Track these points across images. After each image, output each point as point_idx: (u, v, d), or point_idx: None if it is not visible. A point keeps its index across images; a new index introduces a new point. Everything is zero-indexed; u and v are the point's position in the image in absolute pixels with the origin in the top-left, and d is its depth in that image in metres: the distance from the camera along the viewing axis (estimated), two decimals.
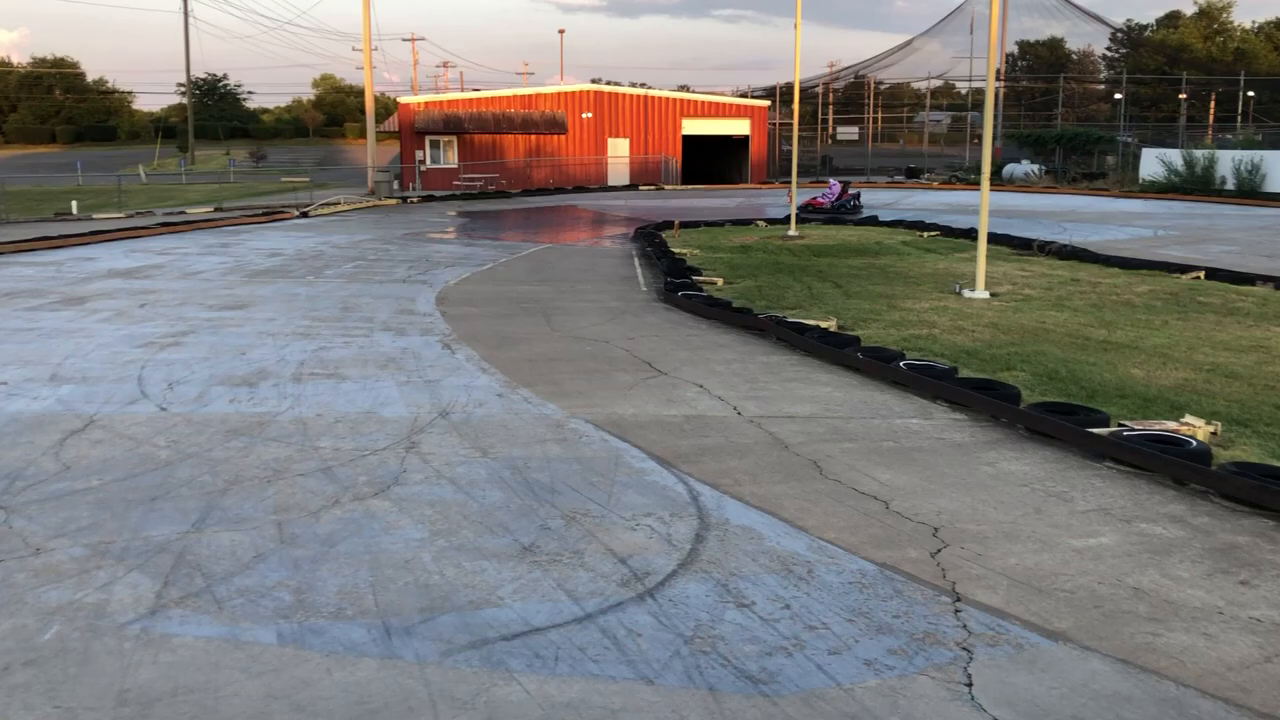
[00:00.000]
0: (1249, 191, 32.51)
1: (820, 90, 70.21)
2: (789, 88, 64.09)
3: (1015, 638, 4.48)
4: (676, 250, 21.84)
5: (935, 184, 44.19)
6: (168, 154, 71.56)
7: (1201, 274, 18.38)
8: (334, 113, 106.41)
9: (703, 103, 45.71)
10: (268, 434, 7.44)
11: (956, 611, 4.75)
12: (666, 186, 43.53)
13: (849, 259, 21.20)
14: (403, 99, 43.80)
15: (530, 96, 43.86)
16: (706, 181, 45.85)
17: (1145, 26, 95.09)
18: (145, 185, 44.77)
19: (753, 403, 8.84)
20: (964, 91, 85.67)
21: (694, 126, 44.77)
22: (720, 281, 17.43)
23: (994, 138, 64.20)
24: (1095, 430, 7.63)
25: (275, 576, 4.89)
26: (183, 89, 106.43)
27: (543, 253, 22.63)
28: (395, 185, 37.36)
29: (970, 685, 4.05)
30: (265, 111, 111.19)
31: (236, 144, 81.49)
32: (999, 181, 44.53)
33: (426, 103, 42.99)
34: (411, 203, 36.19)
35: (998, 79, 69.24)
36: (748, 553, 5.38)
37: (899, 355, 10.52)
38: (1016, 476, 6.88)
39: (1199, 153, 35.53)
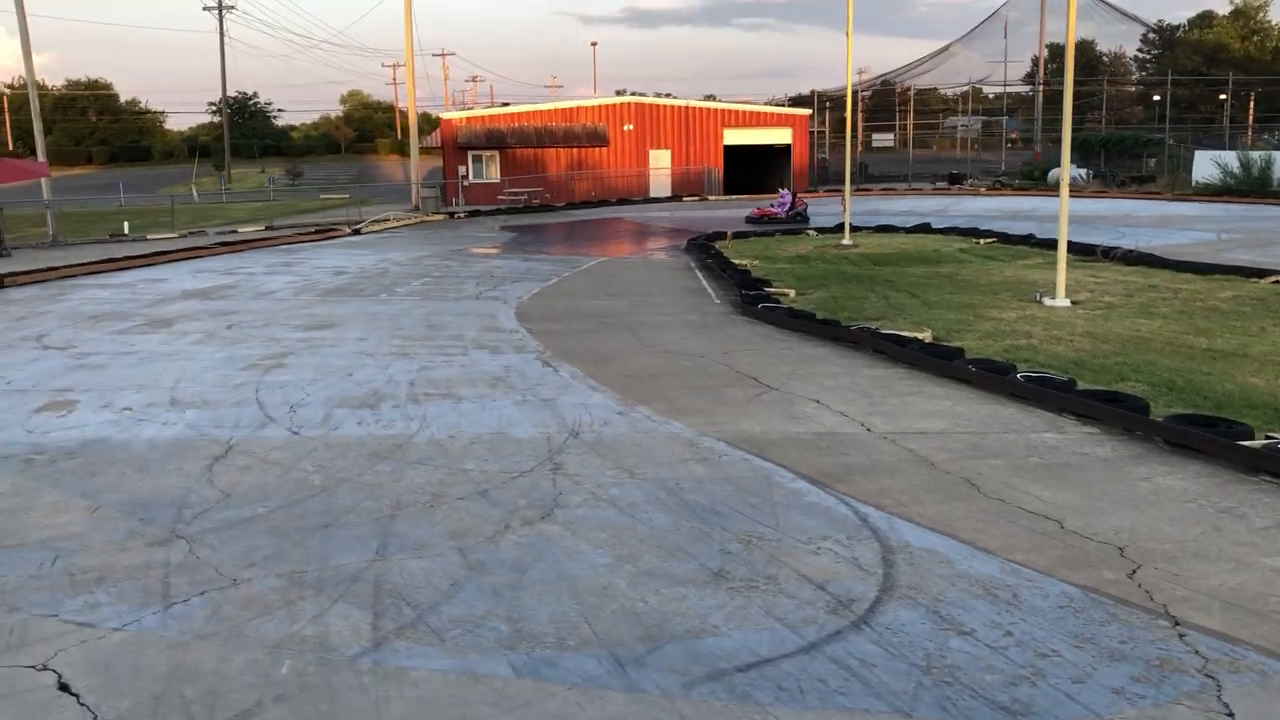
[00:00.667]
0: None
1: (860, 95, 69.98)
2: (825, 95, 64.16)
3: (1255, 664, 4.36)
4: (736, 261, 21.75)
5: (981, 189, 43.89)
6: (203, 173, 72.14)
7: (1278, 278, 18.09)
8: (362, 129, 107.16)
9: (744, 113, 45.63)
10: (410, 457, 7.39)
11: (1180, 636, 4.63)
12: (710, 197, 43.47)
13: (912, 267, 21.03)
14: (444, 114, 43.97)
15: (571, 110, 43.92)
16: (748, 191, 45.72)
17: (1176, 27, 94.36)
18: (189, 205, 45.10)
19: (878, 418, 8.73)
20: (991, 96, 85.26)
21: (735, 136, 44.70)
22: (792, 293, 17.31)
23: (1036, 141, 63.85)
24: (1246, 443, 7.48)
25: (482, 606, 4.82)
26: (213, 108, 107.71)
27: (601, 266, 22.59)
28: (439, 201, 37.45)
29: (1232, 716, 3.93)
30: (293, 128, 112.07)
31: (270, 161, 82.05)
32: (1044, 186, 44.19)
33: (469, 118, 43.11)
34: (458, 218, 36.27)
35: (1035, 83, 68.72)
36: (943, 577, 5.27)
37: (1010, 367, 10.37)
38: (1178, 492, 6.74)
39: (1255, 154, 35.15)
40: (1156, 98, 71.24)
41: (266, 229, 31.82)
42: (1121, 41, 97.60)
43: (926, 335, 12.85)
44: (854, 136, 68.44)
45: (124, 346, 12.34)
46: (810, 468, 7.19)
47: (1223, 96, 70.70)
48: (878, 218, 31.86)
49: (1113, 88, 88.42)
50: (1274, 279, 17.97)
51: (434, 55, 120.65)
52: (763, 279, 18.33)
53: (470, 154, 42.02)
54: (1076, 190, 40.96)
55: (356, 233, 30.86)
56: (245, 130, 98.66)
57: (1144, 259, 21.46)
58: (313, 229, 30.99)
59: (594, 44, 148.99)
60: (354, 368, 10.98)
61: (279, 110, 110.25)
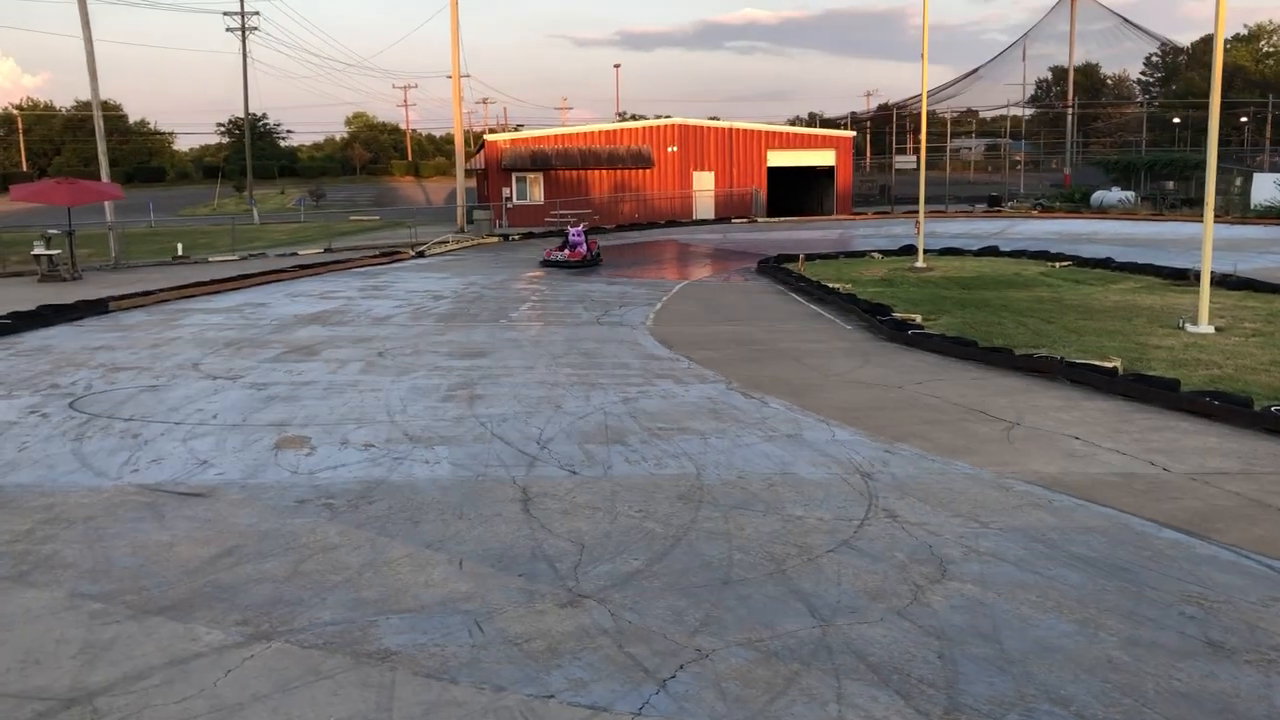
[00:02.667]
0: None
1: (873, 118, 69.93)
2: (859, 116, 64.12)
3: None
4: (830, 284, 21.37)
5: (1034, 211, 43.63)
6: (224, 194, 71.64)
7: None
8: (370, 150, 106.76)
9: (788, 134, 45.42)
10: (722, 500, 6.94)
11: None
12: (759, 219, 43.15)
13: (1007, 291, 20.62)
14: (489, 137, 43.63)
15: (615, 132, 43.62)
16: (791, 213, 45.49)
17: (1181, 50, 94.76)
18: (223, 227, 44.59)
19: (1160, 456, 8.32)
20: (989, 119, 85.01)
21: (779, 158, 44.46)
22: (919, 317, 16.88)
23: (1067, 165, 63.74)
24: None
25: (1003, 686, 4.36)
26: (222, 128, 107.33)
27: (692, 289, 22.20)
28: (491, 223, 37.06)
29: None
30: (299, 149, 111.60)
31: (287, 182, 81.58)
32: (1087, 208, 44.01)
33: (513, 140, 42.77)
34: (514, 240, 35.87)
35: (1062, 106, 68.71)
36: None
37: (1247, 400, 9.97)
38: None
39: None
40: (1177, 120, 71.23)
41: (326, 251, 31.35)
42: (1124, 64, 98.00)
43: (1117, 364, 12.45)
44: (873, 158, 68.22)
45: (294, 376, 11.86)
46: (1159, 513, 6.75)
47: (1244, 119, 70.88)
48: (936, 240, 31.32)
49: (1116, 111, 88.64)
50: None
51: (446, 77, 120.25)
52: (880, 304, 17.88)
53: (514, 175, 41.66)
54: (1130, 213, 40.85)
55: (420, 255, 30.41)
56: (255, 151, 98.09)
57: (1246, 284, 21.02)
58: (376, 251, 30.53)
59: (617, 66, 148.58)
60: (554, 398, 10.53)
61: (289, 131, 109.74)
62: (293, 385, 11.24)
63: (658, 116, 48.02)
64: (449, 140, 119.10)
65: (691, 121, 44.49)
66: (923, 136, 27.93)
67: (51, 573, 5.49)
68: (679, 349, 14.04)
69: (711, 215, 43.59)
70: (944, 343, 14.04)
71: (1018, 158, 78.80)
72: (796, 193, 46.89)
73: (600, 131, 43.54)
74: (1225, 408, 9.82)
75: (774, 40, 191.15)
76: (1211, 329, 15.40)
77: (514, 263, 28.79)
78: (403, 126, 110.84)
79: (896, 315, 16.68)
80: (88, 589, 5.26)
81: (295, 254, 30.62)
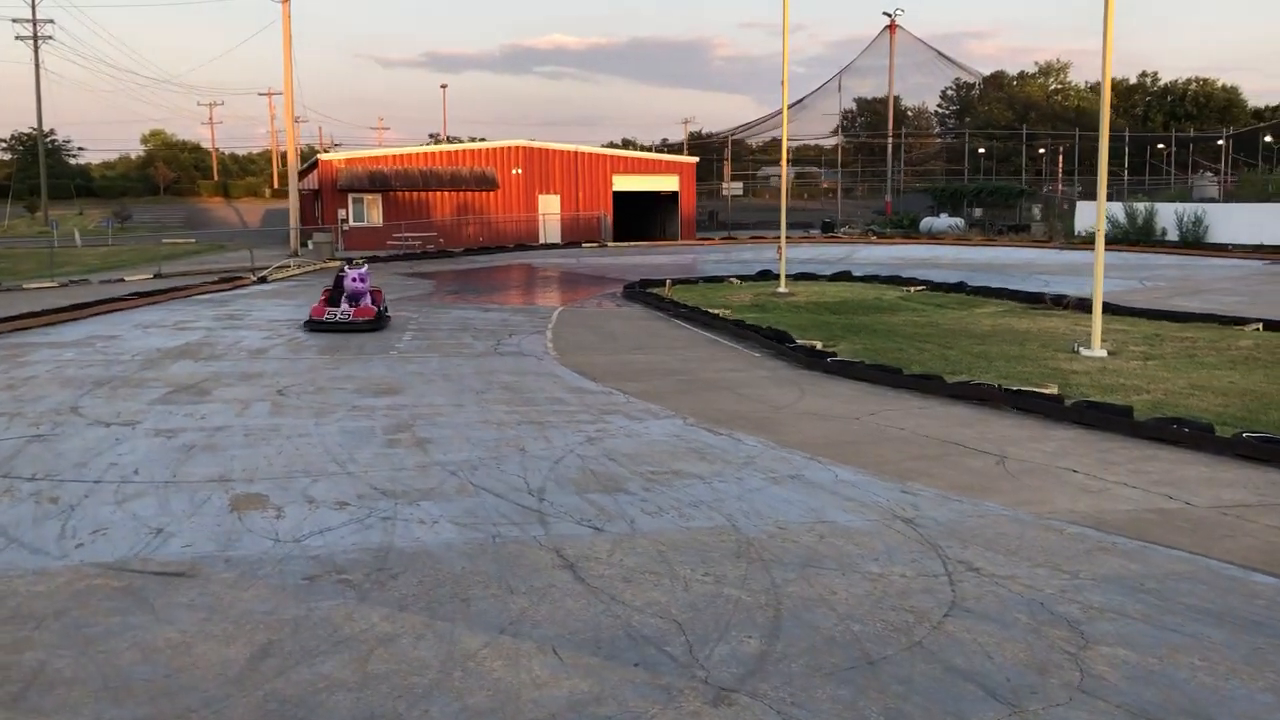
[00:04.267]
0: (1192, 242, 34.21)
1: (724, 144, 70.97)
2: (692, 142, 64.72)
3: None
4: (709, 309, 21.10)
5: (872, 238, 44.84)
6: (13, 214, 66.13)
7: (1260, 325, 18.65)
8: (172, 169, 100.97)
9: (634, 159, 45.27)
10: (785, 558, 6.30)
11: None
12: (609, 244, 42.73)
13: (878, 316, 20.81)
14: (323, 156, 41.66)
15: (456, 153, 42.43)
16: (636, 238, 45.26)
17: (972, 85, 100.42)
18: (25, 250, 40.90)
19: (1169, 488, 8.20)
20: (794, 148, 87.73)
21: (625, 183, 44.21)
22: (819, 344, 16.70)
23: (886, 193, 66.10)
24: None
25: None
26: (3, 144, 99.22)
27: (571, 316, 21.53)
28: (333, 247, 35.26)
29: None
30: (91, 167, 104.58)
31: (85, 203, 76.11)
32: (916, 234, 45.61)
33: (349, 159, 40.96)
34: (357, 265, 34.14)
35: (888, 136, 71.34)
36: None
37: (1206, 426, 10.04)
38: None
39: (1140, 205, 37.26)
40: (982, 150, 75.16)
41: (157, 276, 29.04)
42: (922, 97, 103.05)
43: (1053, 389, 12.47)
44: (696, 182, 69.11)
45: (198, 420, 10.53)
46: (1229, 554, 6.51)
47: (1041, 150, 75.47)
48: (787, 266, 30.68)
49: (925, 141, 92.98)
50: (1254, 326, 18.59)
51: (258, 94, 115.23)
52: (780, 330, 17.61)
53: (351, 196, 39.90)
54: (963, 238, 42.49)
55: (263, 280, 28.55)
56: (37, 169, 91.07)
57: (1107, 308, 21.65)
58: (215, 277, 28.47)
59: (444, 86, 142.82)
60: (511, 440, 9.66)
61: (78, 148, 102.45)
62: (205, 431, 9.94)
63: (432, 136, 47.08)
64: (254, 160, 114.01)
65: (536, 144, 43.77)
66: (783, 163, 28.08)
67: (54, 693, 4.32)
68: (604, 381, 13.33)
69: (559, 239, 42.94)
70: (868, 370, 13.83)
71: (825, 185, 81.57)
72: (641, 218, 46.80)
73: (441, 152, 42.31)
74: (1194, 435, 9.85)
75: (582, 66, 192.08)
76: (1104, 353, 15.76)
77: None
78: (205, 145, 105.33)
79: (801, 342, 16.46)
80: (117, 715, 4.15)
81: (123, 280, 28.21)
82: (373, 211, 40.12)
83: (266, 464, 8.66)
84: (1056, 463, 9.06)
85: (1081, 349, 16.05)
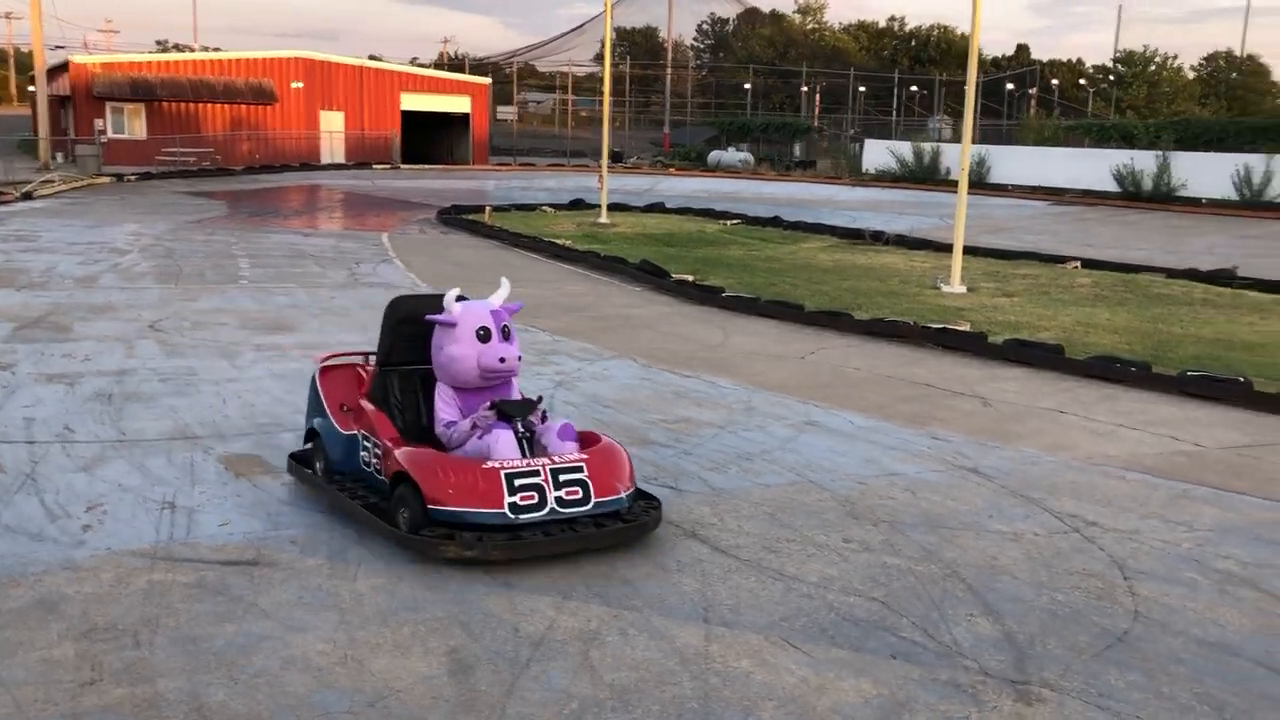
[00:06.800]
0: (975, 183, 36.00)
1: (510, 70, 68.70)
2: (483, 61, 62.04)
3: None
4: (550, 239, 20.37)
5: (671, 170, 44.69)
6: None
7: (1079, 264, 19.73)
8: None
9: (424, 78, 42.97)
10: (902, 519, 5.88)
11: None
12: (401, 166, 40.52)
13: (715, 250, 20.73)
14: (75, 58, 37.12)
15: (229, 62, 38.88)
16: (424, 160, 43.17)
17: (726, 21, 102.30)
18: None
19: (1168, 429, 8.32)
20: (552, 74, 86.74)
21: (414, 102, 41.94)
22: (692, 278, 16.37)
23: (665, 123, 66.23)
24: None
25: None
26: None
27: (403, 242, 20.33)
28: (100, 161, 31.65)
29: None
30: None
31: None
32: (705, 167, 45.94)
33: (107, 64, 36.72)
34: (131, 180, 30.82)
35: (667, 66, 71.24)
36: None
37: (1145, 365, 10.33)
38: None
39: (927, 145, 38.90)
40: (748, 85, 76.62)
41: None
42: (680, 30, 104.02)
43: (967, 326, 12.61)
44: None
45: (85, 364, 8.96)
46: None
47: (804, 88, 77.75)
48: (592, 194, 29.66)
49: (687, 73, 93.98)
50: (1073, 264, 19.67)
51: None
52: (652, 264, 17.11)
53: (110, 105, 35.91)
54: (757, 173, 43.09)
55: (28, 197, 25.23)
56: None
57: (924, 243, 22.36)
58: None
59: None
60: None
61: None
62: (106, 377, 8.45)
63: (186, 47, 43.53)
64: None
65: (318, 56, 40.79)
66: (606, 88, 27.32)
67: None
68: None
69: (344, 159, 40.38)
70: (770, 306, 13.56)
71: (583, 113, 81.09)
72: (431, 139, 44.68)
73: (213, 61, 38.74)
74: (1137, 374, 10.11)
75: None
76: (964, 289, 16.19)
77: (158, 208, 24.78)
78: None
79: (676, 276, 16.05)
80: None
81: None
82: (135, 123, 36.29)
83: (221, 416, 7.41)
84: (1037, 403, 9.06)
85: (942, 285, 16.36)
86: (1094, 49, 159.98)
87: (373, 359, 5.96)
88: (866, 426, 7.97)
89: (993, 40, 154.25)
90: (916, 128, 59.20)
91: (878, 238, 23.65)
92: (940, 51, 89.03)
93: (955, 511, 6.04)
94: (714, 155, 46.56)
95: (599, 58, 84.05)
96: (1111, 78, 76.01)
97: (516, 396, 5.67)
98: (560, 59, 79.96)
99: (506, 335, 5.51)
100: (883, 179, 38.71)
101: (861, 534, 5.55)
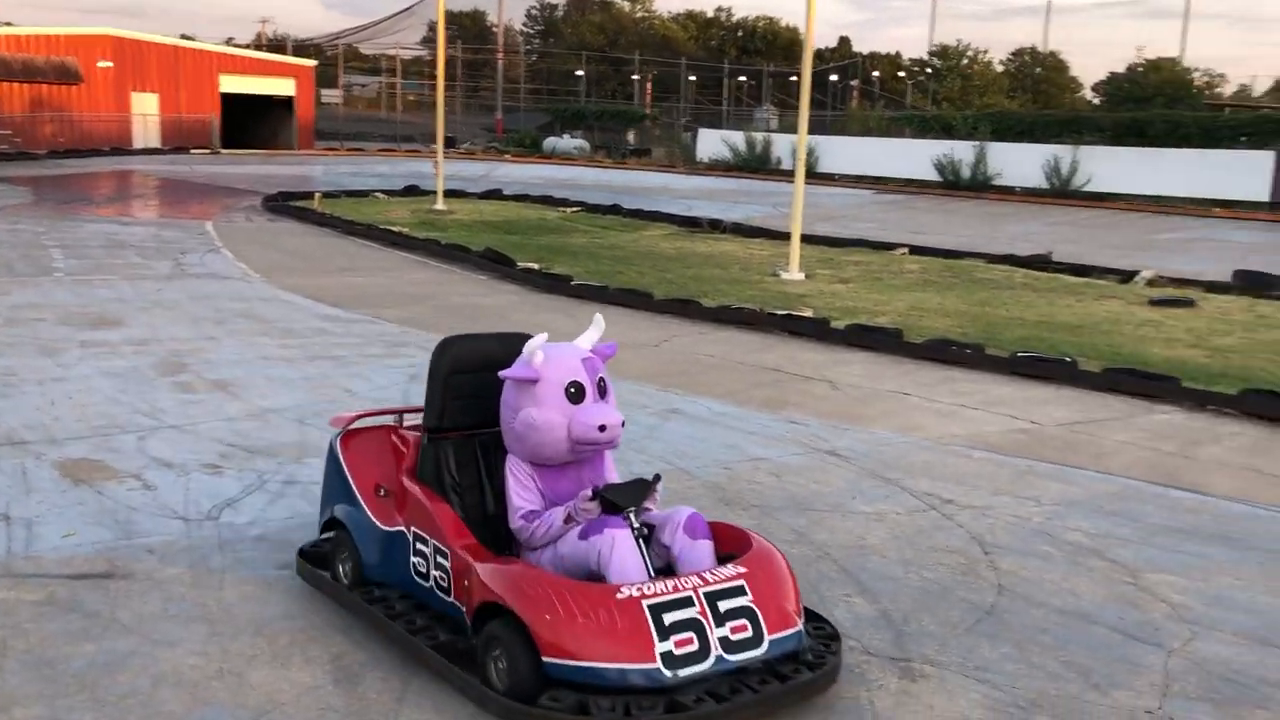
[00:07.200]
0: (805, 172, 36.87)
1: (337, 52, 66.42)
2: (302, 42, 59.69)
3: None
4: (386, 226, 19.94)
5: (506, 156, 44.18)
6: None
7: (907, 250, 20.54)
8: None
9: (244, 59, 41.18)
10: (768, 501, 5.99)
11: None
12: (222, 151, 38.76)
13: (557, 237, 20.64)
14: None
15: (28, 38, 36.37)
16: (247, 145, 41.45)
17: (555, 6, 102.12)
18: None
19: (1006, 408, 8.75)
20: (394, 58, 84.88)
21: (234, 84, 40.16)
22: (537, 266, 16.32)
23: (498, 109, 65.51)
24: None
25: None
26: None
27: (230, 231, 19.41)
28: None
29: None
30: None
31: None
32: (540, 154, 45.73)
33: None
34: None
35: (499, 50, 70.38)
36: None
37: (977, 347, 10.79)
38: None
39: (759, 135, 39.63)
40: (580, 72, 76.54)
41: None
42: (509, 15, 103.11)
43: (809, 312, 12.94)
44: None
45: None
46: (1126, 470, 7.00)
47: (636, 76, 78.27)
48: (427, 181, 28.94)
49: (517, 58, 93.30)
50: (902, 250, 20.47)
51: None
52: (498, 252, 16.91)
53: None
54: (594, 160, 43.07)
55: None
56: None
57: (759, 231, 22.84)
58: None
59: None
60: (323, 380, 8.49)
61: None
62: None
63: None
64: None
65: (128, 34, 38.58)
66: (440, 70, 26.81)
67: None
68: (351, 307, 12.04)
69: (159, 143, 38.38)
70: (620, 294, 13.61)
71: (411, 97, 79.57)
72: (254, 123, 42.92)
73: (9, 37, 36.18)
74: (972, 355, 10.57)
75: None
76: (802, 275, 16.63)
77: None
78: None
79: (521, 265, 15.94)
80: None
81: None
82: None
83: (50, 419, 6.93)
84: (881, 386, 9.37)
85: (781, 272, 16.74)
86: (911, 42, 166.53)
87: (407, 418, 4.59)
88: (725, 412, 8.09)
89: (816, 33, 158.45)
90: (745, 117, 60.39)
91: (715, 226, 23.98)
92: (766, 42, 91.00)
93: (820, 494, 6.19)
94: (549, 142, 46.36)
95: (426, 41, 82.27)
96: (928, 70, 79.26)
97: (612, 474, 4.26)
98: (387, 41, 78.06)
99: (603, 391, 4.10)
100: (716, 168, 39.33)
101: (735, 519, 5.60)
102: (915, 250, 20.35)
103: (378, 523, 4.23)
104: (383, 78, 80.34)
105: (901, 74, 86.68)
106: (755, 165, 38.21)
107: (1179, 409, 8.93)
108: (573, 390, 3.95)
